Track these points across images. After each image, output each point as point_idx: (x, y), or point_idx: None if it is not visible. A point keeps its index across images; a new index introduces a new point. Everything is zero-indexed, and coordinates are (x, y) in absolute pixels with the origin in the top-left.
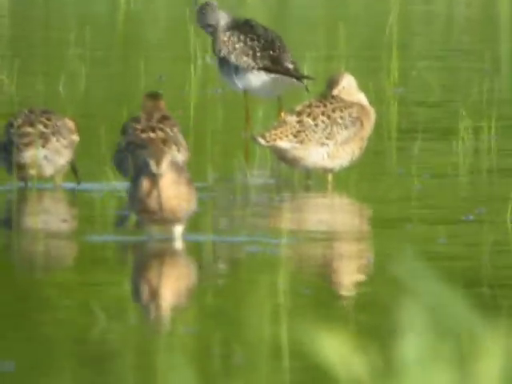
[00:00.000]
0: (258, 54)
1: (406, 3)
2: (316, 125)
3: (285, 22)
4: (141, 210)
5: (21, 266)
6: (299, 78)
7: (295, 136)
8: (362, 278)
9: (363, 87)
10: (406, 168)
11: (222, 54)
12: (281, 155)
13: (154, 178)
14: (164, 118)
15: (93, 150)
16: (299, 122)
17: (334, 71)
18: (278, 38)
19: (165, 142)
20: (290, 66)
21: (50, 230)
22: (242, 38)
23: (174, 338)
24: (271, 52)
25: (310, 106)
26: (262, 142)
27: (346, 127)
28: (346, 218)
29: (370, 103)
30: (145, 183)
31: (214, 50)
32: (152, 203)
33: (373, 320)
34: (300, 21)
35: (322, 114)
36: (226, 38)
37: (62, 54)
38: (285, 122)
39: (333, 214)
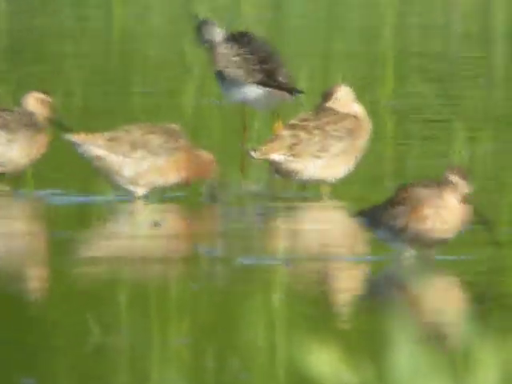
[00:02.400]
0: (253, 68)
1: (402, 15)
2: (310, 138)
3: (280, 33)
4: (414, 236)
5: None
6: (292, 92)
7: (289, 149)
8: (357, 292)
9: (358, 99)
10: (400, 179)
11: (218, 67)
12: (276, 168)
13: (466, 199)
14: None
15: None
16: (293, 135)
17: (330, 83)
18: (275, 52)
19: None
20: (284, 80)
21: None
22: (238, 51)
23: (169, 350)
24: (266, 66)
25: (304, 119)
26: (255, 155)
27: (341, 139)
28: (342, 232)
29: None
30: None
31: (211, 63)
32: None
33: (367, 333)
34: (296, 32)
35: (316, 127)
36: (223, 51)
37: (59, 68)
38: (279, 136)
39: (329, 228)
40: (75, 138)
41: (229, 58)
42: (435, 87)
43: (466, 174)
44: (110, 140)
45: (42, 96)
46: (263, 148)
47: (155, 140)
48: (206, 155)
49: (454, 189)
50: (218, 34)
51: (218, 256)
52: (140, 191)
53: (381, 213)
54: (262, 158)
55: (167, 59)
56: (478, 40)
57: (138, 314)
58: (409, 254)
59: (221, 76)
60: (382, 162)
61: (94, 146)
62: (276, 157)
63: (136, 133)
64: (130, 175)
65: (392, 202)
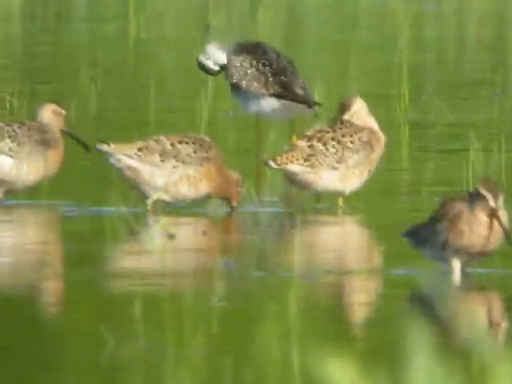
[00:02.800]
0: (269, 80)
1: (416, 26)
2: (326, 149)
3: (296, 45)
4: (461, 247)
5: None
6: (309, 104)
7: (306, 160)
8: (372, 305)
9: (373, 112)
10: (415, 192)
11: (234, 80)
12: (292, 179)
13: (494, 213)
14: None
15: (104, 173)
16: (310, 146)
17: (346, 95)
18: (290, 64)
19: None
20: (301, 92)
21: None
22: (254, 63)
23: (184, 361)
24: (282, 78)
25: (320, 131)
26: (273, 165)
27: (357, 151)
28: (356, 246)
29: (381, 128)
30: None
31: (226, 77)
32: (480, 238)
33: (383, 345)
34: (311, 44)
35: (332, 139)
36: (238, 64)
37: (72, 77)
38: (296, 147)
39: (344, 242)
40: (106, 148)
41: (244, 69)
42: (450, 99)
43: (495, 188)
44: (141, 150)
45: (56, 108)
46: (280, 158)
47: (186, 149)
48: (233, 174)
49: (484, 203)
50: (224, 54)
51: (233, 269)
52: (169, 200)
53: (424, 230)
54: (279, 168)
55: (182, 69)
56: (493, 50)
57: (153, 326)
58: (452, 269)
59: (236, 88)
60: (398, 174)
61: (125, 155)
62: (293, 167)
63: (166, 142)
64: (160, 185)
65: (433, 219)
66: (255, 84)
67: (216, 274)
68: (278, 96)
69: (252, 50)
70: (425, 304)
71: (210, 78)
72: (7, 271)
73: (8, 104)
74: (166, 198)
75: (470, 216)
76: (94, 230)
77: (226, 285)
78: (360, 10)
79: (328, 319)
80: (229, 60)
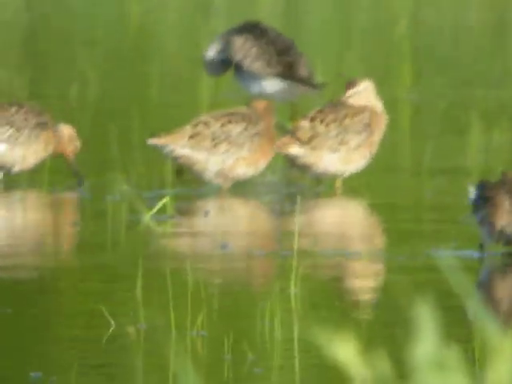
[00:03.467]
0: (273, 59)
1: (417, 7)
2: (328, 131)
3: (296, 27)
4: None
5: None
6: (313, 86)
7: (307, 142)
8: (375, 285)
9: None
10: (417, 173)
11: (236, 59)
12: (292, 161)
13: None
14: None
15: (103, 156)
16: (311, 128)
17: (346, 77)
18: (292, 43)
19: None
20: (305, 73)
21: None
22: (256, 42)
23: (185, 342)
24: (286, 57)
25: (321, 111)
26: (274, 149)
27: (359, 133)
28: (358, 228)
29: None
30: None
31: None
32: None
33: (386, 325)
34: (311, 25)
35: (334, 120)
36: (240, 42)
37: (73, 61)
38: (296, 129)
39: (345, 224)
40: (157, 141)
41: (247, 48)
42: (451, 80)
43: None
44: (192, 137)
45: (73, 133)
46: (280, 141)
47: (235, 129)
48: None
49: (507, 187)
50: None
51: (234, 250)
52: (229, 184)
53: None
54: (279, 151)
55: (183, 51)
56: (493, 33)
57: (154, 307)
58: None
59: (238, 68)
60: (399, 154)
61: (177, 145)
62: (294, 150)
63: (215, 124)
64: (217, 170)
65: (478, 201)
66: (259, 63)
67: (217, 254)
68: (282, 76)
69: (254, 29)
70: (434, 286)
71: None
72: (9, 253)
73: (8, 87)
74: (228, 181)
75: (498, 200)
76: (97, 211)
77: (227, 265)
78: None
79: (331, 299)
80: (230, 39)
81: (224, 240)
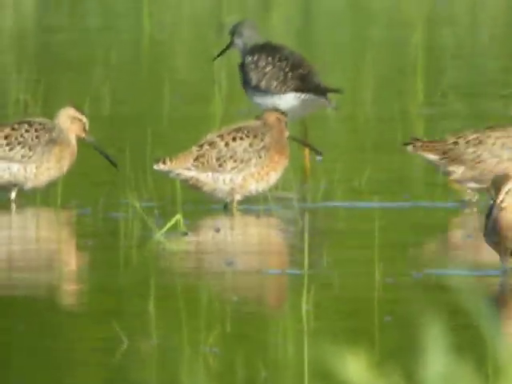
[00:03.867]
0: (288, 75)
1: (431, 25)
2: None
3: (310, 44)
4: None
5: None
6: (328, 91)
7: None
8: (386, 301)
9: (389, 109)
10: (431, 196)
11: (253, 84)
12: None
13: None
14: None
15: (115, 173)
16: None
17: (360, 92)
18: (304, 59)
19: None
20: (319, 82)
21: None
22: (269, 60)
23: (198, 359)
24: (300, 71)
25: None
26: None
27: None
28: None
29: (395, 122)
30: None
31: (242, 81)
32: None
33: (397, 341)
34: (325, 43)
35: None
36: (252, 65)
37: (87, 76)
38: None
39: (357, 239)
40: (163, 166)
41: (260, 69)
42: (464, 96)
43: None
44: (197, 159)
45: (74, 113)
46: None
47: (240, 146)
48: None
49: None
50: (254, 37)
51: (245, 268)
52: (241, 197)
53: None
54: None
55: (195, 68)
56: (507, 49)
57: (167, 324)
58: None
59: (255, 90)
60: (413, 167)
61: (183, 169)
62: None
63: (220, 143)
64: (227, 189)
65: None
66: (275, 83)
67: (227, 272)
68: (298, 90)
69: (264, 48)
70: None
71: (224, 76)
72: (22, 269)
73: (22, 103)
74: (239, 197)
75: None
76: (108, 229)
77: (238, 282)
78: (374, 8)
79: (342, 316)
80: (243, 63)
81: (232, 257)
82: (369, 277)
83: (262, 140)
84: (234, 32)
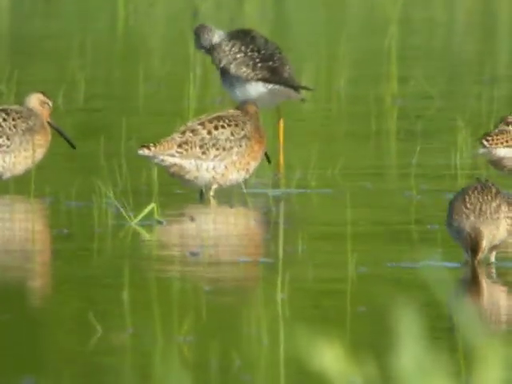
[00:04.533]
0: (258, 65)
1: (405, 11)
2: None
3: (284, 30)
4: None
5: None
6: (296, 88)
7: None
8: (362, 292)
9: (364, 97)
10: (403, 175)
11: (222, 65)
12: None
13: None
14: None
15: (90, 162)
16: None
17: (334, 81)
18: (278, 50)
19: None
20: (288, 77)
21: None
22: (242, 48)
23: (172, 348)
24: (270, 63)
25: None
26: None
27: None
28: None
29: (369, 113)
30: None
31: (213, 61)
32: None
33: (372, 330)
34: (298, 30)
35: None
36: (227, 48)
37: (61, 65)
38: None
39: (335, 227)
40: (148, 152)
41: (232, 55)
42: (439, 85)
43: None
44: (181, 146)
45: (43, 98)
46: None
47: (222, 134)
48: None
49: None
50: (215, 37)
51: (217, 256)
52: (219, 187)
53: None
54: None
55: (170, 56)
56: (481, 36)
57: (141, 313)
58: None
59: (224, 73)
60: (386, 158)
61: (167, 155)
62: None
63: (203, 131)
64: (208, 177)
65: None
66: (243, 68)
67: (200, 261)
68: (265, 80)
69: (241, 36)
70: (421, 290)
71: (198, 64)
72: None
73: None
74: (220, 185)
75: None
76: (82, 217)
77: (212, 271)
78: None
79: (316, 304)
80: (218, 45)
81: (203, 247)
82: (343, 266)
83: (242, 129)
84: (196, 45)
